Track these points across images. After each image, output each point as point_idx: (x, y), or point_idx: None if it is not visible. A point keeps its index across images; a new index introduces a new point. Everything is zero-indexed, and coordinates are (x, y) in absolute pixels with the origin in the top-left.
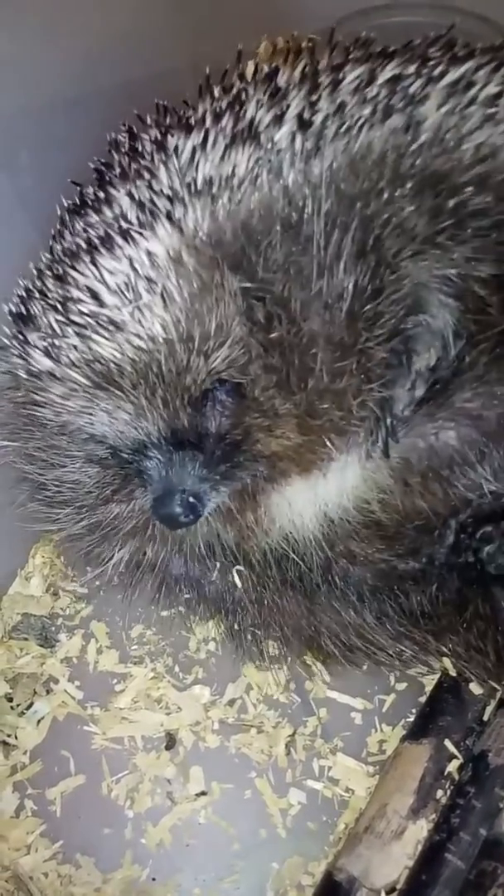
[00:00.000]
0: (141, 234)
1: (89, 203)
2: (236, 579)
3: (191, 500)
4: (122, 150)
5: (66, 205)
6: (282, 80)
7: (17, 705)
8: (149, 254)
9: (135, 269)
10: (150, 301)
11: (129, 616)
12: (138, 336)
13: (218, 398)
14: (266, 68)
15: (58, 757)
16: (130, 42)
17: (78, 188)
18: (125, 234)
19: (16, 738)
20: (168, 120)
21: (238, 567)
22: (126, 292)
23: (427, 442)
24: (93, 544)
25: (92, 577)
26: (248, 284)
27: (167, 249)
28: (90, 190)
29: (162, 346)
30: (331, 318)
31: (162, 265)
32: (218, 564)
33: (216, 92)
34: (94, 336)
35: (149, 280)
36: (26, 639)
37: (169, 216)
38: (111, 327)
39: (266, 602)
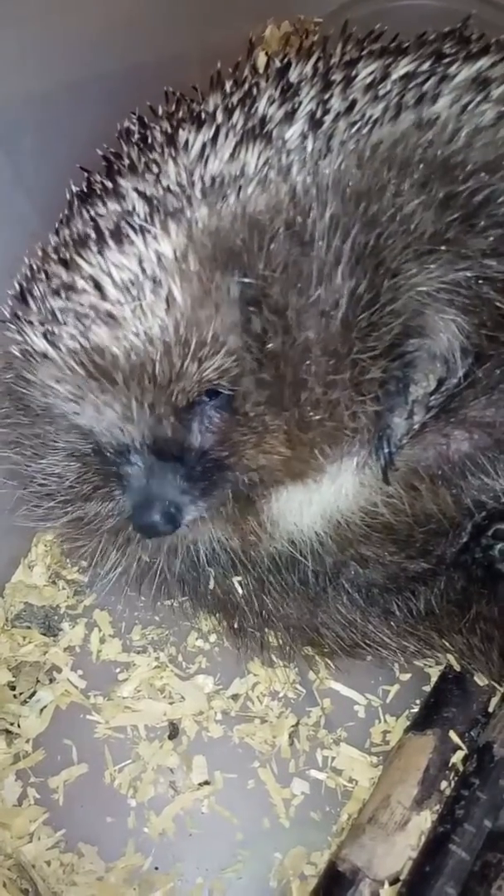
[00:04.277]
0: (151, 232)
1: (97, 192)
2: (237, 587)
3: (171, 510)
4: (133, 140)
5: (74, 190)
6: (294, 75)
7: (20, 694)
8: (157, 253)
9: (142, 268)
10: (153, 302)
11: (131, 607)
12: (136, 335)
13: (206, 413)
14: (278, 62)
15: (60, 746)
16: (136, 26)
17: (86, 174)
18: (135, 230)
19: (18, 726)
20: (178, 111)
21: (237, 577)
22: (130, 289)
23: (436, 450)
24: (80, 540)
25: (91, 570)
26: (247, 280)
27: (174, 249)
28: (97, 178)
29: (158, 348)
30: (326, 326)
31: (169, 266)
32: (213, 571)
33: (227, 86)
34: (93, 327)
35: (154, 280)
36: (29, 627)
37: (177, 214)
38: (110, 321)
39: (268, 606)
